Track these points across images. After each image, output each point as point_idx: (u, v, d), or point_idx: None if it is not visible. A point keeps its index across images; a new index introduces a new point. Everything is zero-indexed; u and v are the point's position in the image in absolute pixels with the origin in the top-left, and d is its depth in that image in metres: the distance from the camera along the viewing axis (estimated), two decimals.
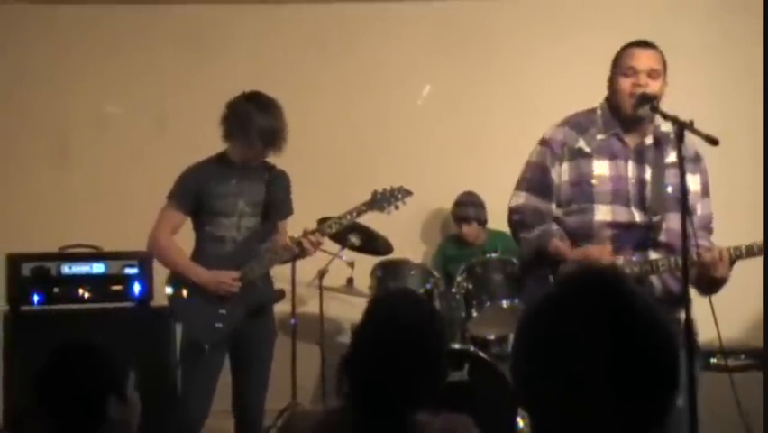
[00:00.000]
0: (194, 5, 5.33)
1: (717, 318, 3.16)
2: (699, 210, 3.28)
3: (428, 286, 4.44)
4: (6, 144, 5.30)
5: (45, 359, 2.16)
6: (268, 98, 3.88)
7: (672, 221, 3.14)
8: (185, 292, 3.83)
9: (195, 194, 3.86)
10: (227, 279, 3.75)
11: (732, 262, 3.10)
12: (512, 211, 3.38)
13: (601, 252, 3.15)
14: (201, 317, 3.79)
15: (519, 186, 3.37)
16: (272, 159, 3.97)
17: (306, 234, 3.86)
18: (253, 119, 3.76)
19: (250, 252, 3.87)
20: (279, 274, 4.51)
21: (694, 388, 2.76)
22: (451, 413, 2.05)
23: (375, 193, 3.96)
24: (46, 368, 2.13)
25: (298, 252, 3.90)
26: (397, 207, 4.03)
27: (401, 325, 2.06)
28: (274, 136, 3.82)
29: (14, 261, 4.12)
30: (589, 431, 1.19)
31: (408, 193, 4.04)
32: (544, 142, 3.32)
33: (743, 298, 3.71)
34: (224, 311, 3.80)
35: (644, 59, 3.19)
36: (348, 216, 3.92)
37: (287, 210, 4.03)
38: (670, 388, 1.22)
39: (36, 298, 4.15)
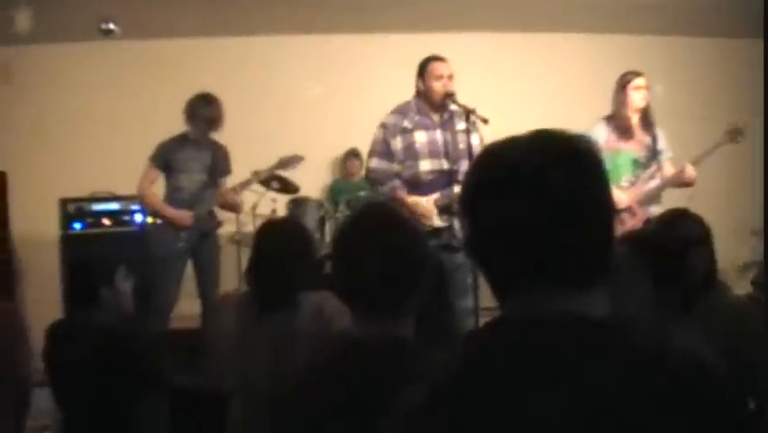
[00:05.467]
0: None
1: None
2: None
3: (321, 213, 5.41)
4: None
5: (76, 262, 2.78)
6: (211, 95, 4.39)
7: (464, 165, 3.67)
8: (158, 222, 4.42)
9: (165, 158, 4.41)
10: (185, 216, 4.36)
11: None
12: (368, 171, 3.95)
13: (418, 202, 3.79)
14: (167, 239, 4.37)
15: (371, 155, 3.89)
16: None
17: (227, 191, 4.45)
18: (199, 111, 4.35)
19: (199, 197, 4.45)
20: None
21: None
22: (321, 290, 2.24)
23: (280, 159, 4.57)
24: (73, 265, 2.82)
25: (229, 205, 4.50)
26: (294, 167, 4.60)
27: (284, 242, 2.37)
28: (214, 122, 4.37)
29: (64, 202, 5.36)
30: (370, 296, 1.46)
31: (301, 158, 4.55)
32: (382, 126, 3.86)
33: None
34: (183, 234, 4.38)
35: (445, 69, 3.81)
36: (264, 174, 4.57)
37: (225, 171, 4.58)
38: (423, 264, 1.48)
39: (77, 225, 5.38)
